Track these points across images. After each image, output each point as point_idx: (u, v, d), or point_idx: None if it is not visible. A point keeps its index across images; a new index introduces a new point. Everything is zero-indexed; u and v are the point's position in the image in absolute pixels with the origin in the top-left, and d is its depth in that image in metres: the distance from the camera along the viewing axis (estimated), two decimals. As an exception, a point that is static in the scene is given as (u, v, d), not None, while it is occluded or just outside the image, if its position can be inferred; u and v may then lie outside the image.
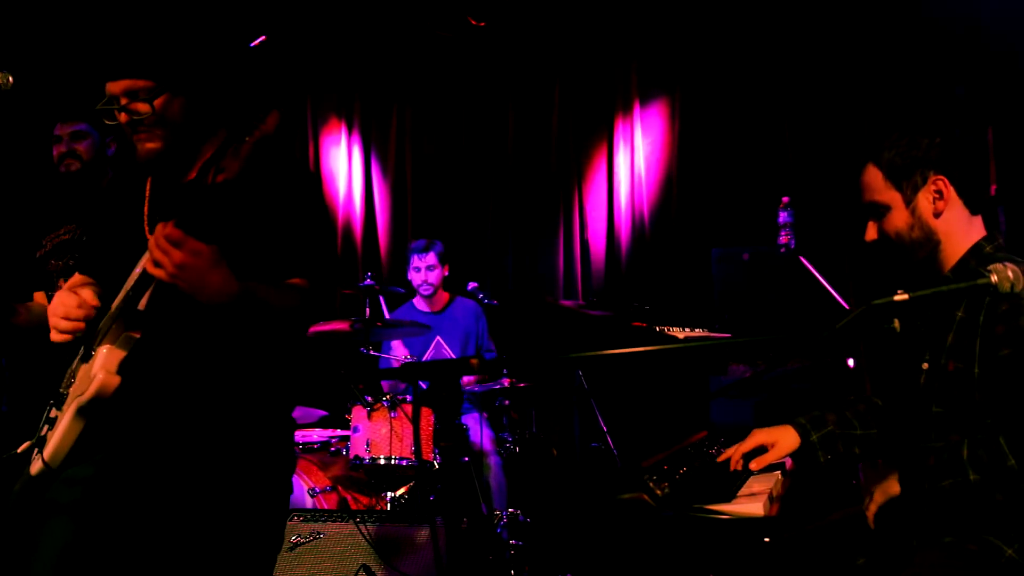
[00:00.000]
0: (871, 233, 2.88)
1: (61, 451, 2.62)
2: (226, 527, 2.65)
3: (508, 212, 7.80)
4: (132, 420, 2.68)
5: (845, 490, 3.63)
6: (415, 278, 6.56)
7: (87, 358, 2.65)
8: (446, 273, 6.60)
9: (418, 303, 6.67)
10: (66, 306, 2.62)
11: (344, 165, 8.22)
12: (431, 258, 6.51)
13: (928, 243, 2.79)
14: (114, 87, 2.65)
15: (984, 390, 2.63)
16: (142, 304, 2.58)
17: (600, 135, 7.64)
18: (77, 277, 2.98)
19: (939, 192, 2.75)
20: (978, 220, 2.80)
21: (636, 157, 7.46)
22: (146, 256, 2.45)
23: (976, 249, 2.75)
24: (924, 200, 2.76)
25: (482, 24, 7.35)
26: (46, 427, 2.69)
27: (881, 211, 2.82)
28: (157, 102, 2.63)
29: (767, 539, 2.58)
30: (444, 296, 6.68)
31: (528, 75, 7.82)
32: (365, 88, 8.25)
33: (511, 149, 7.86)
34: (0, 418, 5.96)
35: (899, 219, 2.79)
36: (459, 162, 8.01)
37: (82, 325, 2.63)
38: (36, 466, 2.65)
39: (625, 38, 7.45)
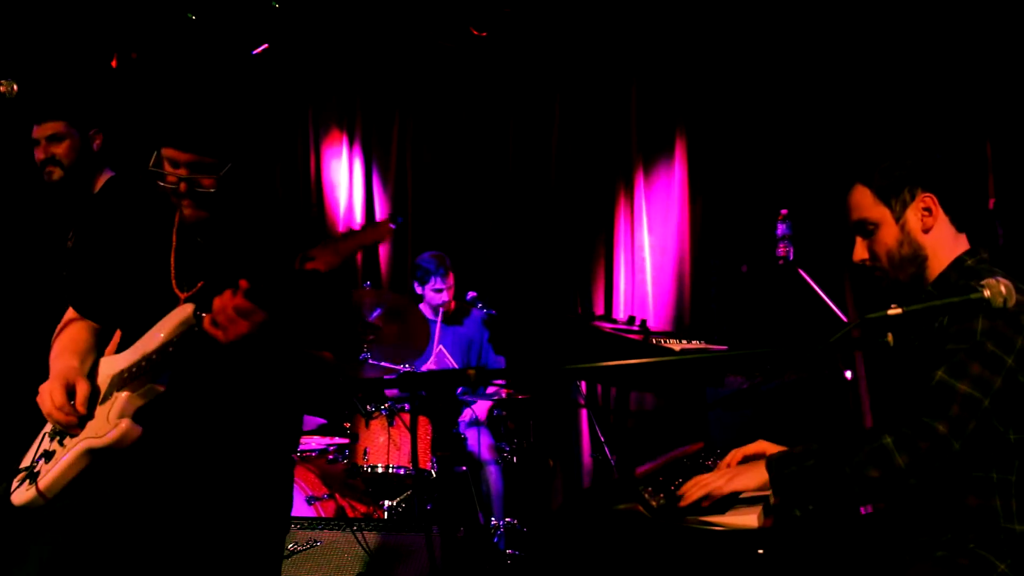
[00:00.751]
0: (860, 252, 2.89)
1: (58, 485, 2.64)
2: (229, 548, 2.68)
3: (507, 222, 7.81)
4: (140, 466, 2.71)
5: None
6: (436, 298, 6.52)
7: (104, 398, 2.67)
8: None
9: (424, 309, 6.68)
10: (53, 403, 2.67)
11: (345, 174, 8.24)
12: (451, 278, 6.52)
13: (916, 259, 2.80)
14: (177, 156, 2.65)
15: (915, 382, 2.66)
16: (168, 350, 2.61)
17: (601, 148, 7.64)
18: (69, 313, 3.00)
19: (928, 209, 2.77)
20: (963, 237, 2.82)
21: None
22: (182, 311, 2.54)
23: (958, 262, 2.77)
24: (913, 216, 2.79)
25: (484, 34, 7.36)
26: (42, 460, 2.70)
27: (870, 228, 2.84)
28: (210, 180, 2.67)
29: (761, 551, 2.59)
30: (452, 303, 6.69)
31: (529, 87, 7.83)
32: (366, 98, 8.27)
33: (511, 159, 7.87)
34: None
35: (888, 235, 2.82)
36: (459, 172, 8.02)
37: (74, 420, 2.67)
38: (25, 496, 2.66)
39: (626, 53, 7.46)
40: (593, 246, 7.55)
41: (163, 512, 2.68)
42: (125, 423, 2.57)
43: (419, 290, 6.62)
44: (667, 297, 7.23)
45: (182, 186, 2.66)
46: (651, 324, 6.55)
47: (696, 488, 2.81)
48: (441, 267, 6.53)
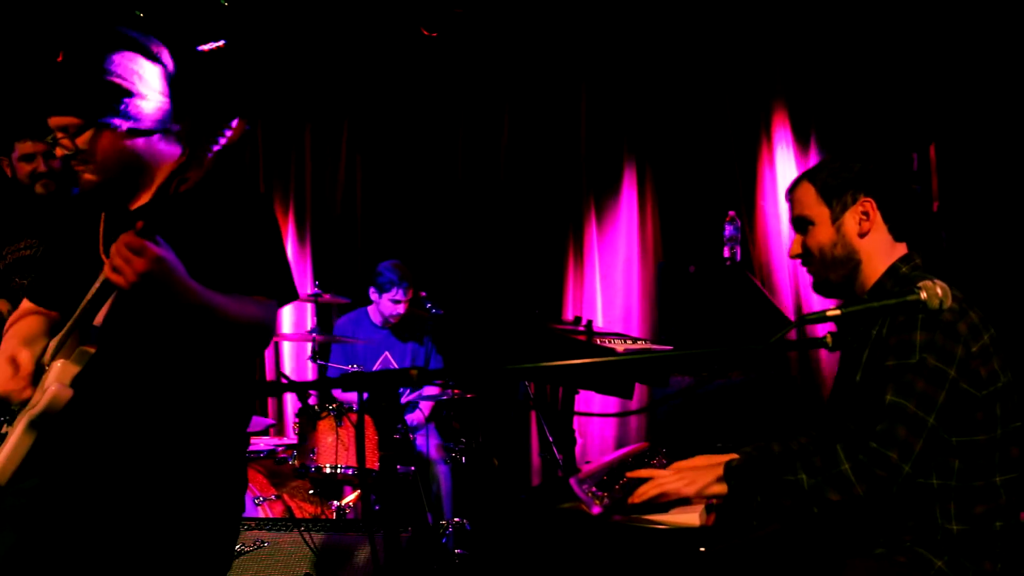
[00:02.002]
0: (795, 248, 2.96)
1: (9, 467, 2.61)
2: (174, 542, 2.65)
3: (457, 226, 7.81)
4: (85, 434, 2.68)
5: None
6: (391, 308, 6.50)
7: (40, 372, 2.65)
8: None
9: (373, 313, 6.66)
10: (3, 378, 2.65)
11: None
12: (411, 294, 6.50)
13: (849, 262, 2.85)
14: (51, 122, 2.67)
15: (860, 399, 2.70)
16: (98, 319, 2.58)
17: (551, 151, 7.67)
18: (24, 305, 2.98)
19: (866, 213, 2.82)
20: (901, 246, 2.86)
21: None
22: (105, 267, 2.45)
23: (892, 270, 2.81)
24: (851, 219, 2.83)
25: (435, 35, 7.35)
26: None
27: (807, 225, 2.89)
28: (81, 139, 2.65)
29: (702, 549, 2.62)
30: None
31: (478, 92, 7.84)
32: (315, 103, 8.24)
33: (460, 161, 7.88)
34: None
35: (823, 234, 2.87)
36: (409, 176, 8.02)
37: (29, 392, 2.64)
38: None
39: (576, 57, 7.49)
40: (543, 249, 7.57)
41: (100, 486, 2.65)
42: (54, 386, 2.55)
43: (374, 296, 6.59)
44: (616, 300, 7.27)
45: (58, 151, 2.69)
46: (601, 325, 6.59)
47: (654, 487, 2.85)
48: (404, 280, 6.51)
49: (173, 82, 2.80)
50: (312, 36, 7.54)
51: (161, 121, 2.76)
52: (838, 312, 2.36)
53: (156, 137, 2.78)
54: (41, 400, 2.53)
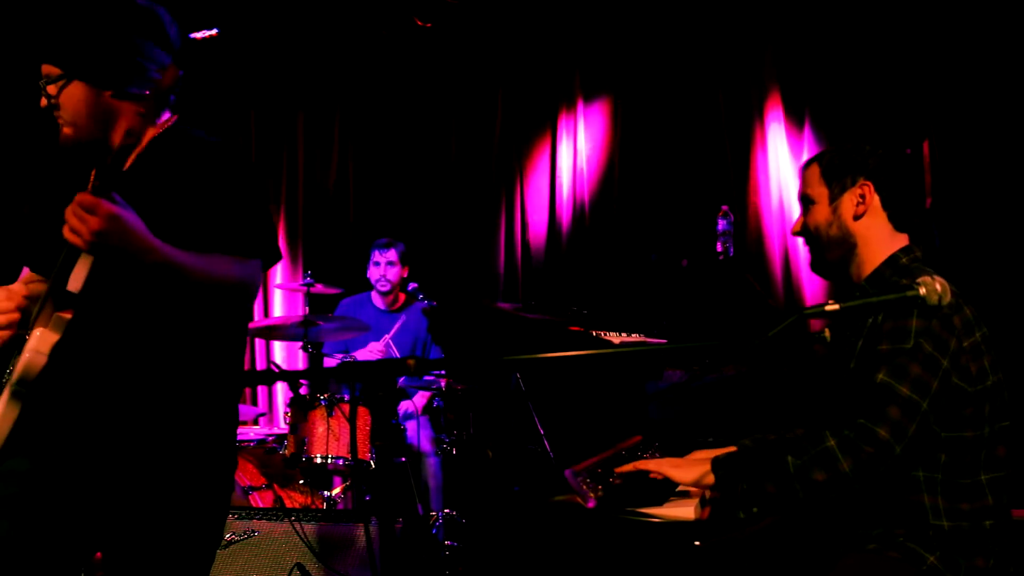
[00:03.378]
0: (796, 225, 3.00)
1: None
2: (162, 518, 2.62)
3: (451, 215, 7.81)
4: (69, 404, 2.65)
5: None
6: (374, 273, 6.58)
7: (22, 342, 2.63)
8: (405, 274, 6.62)
9: (375, 297, 6.69)
10: None
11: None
12: (392, 255, 6.54)
13: (844, 243, 2.87)
14: (42, 69, 2.68)
15: (854, 383, 2.71)
16: (76, 285, 2.55)
17: (541, 142, 7.67)
18: (24, 275, 2.96)
19: (862, 196, 2.84)
20: (902, 237, 2.87)
21: (579, 162, 7.50)
22: (64, 228, 2.42)
23: (892, 260, 2.82)
24: (848, 201, 2.86)
25: (428, 25, 7.34)
26: None
27: (808, 204, 2.94)
28: (55, 88, 2.66)
29: (697, 543, 2.62)
30: (401, 297, 6.69)
31: (472, 81, 7.83)
32: (307, 92, 8.22)
33: (454, 153, 7.88)
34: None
35: (820, 214, 2.90)
36: (402, 165, 8.01)
37: (16, 315, 2.63)
38: None
39: (568, 46, 7.49)
40: (535, 241, 7.58)
41: (86, 463, 2.62)
42: (27, 353, 2.53)
43: (368, 274, 6.64)
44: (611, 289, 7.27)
45: (42, 100, 2.70)
46: (595, 317, 6.59)
47: (647, 464, 2.86)
48: (383, 242, 6.56)
49: (162, 50, 2.78)
50: (304, 25, 7.53)
51: (140, 85, 2.72)
52: (837, 307, 2.36)
53: (135, 100, 2.74)
54: (16, 368, 2.52)
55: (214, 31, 6.65)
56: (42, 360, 2.53)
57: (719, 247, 6.14)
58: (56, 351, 2.54)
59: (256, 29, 7.43)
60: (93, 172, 2.73)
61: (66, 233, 2.38)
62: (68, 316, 2.58)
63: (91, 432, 2.63)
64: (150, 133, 2.77)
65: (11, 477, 2.64)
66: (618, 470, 2.88)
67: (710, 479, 2.79)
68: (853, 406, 2.60)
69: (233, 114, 8.16)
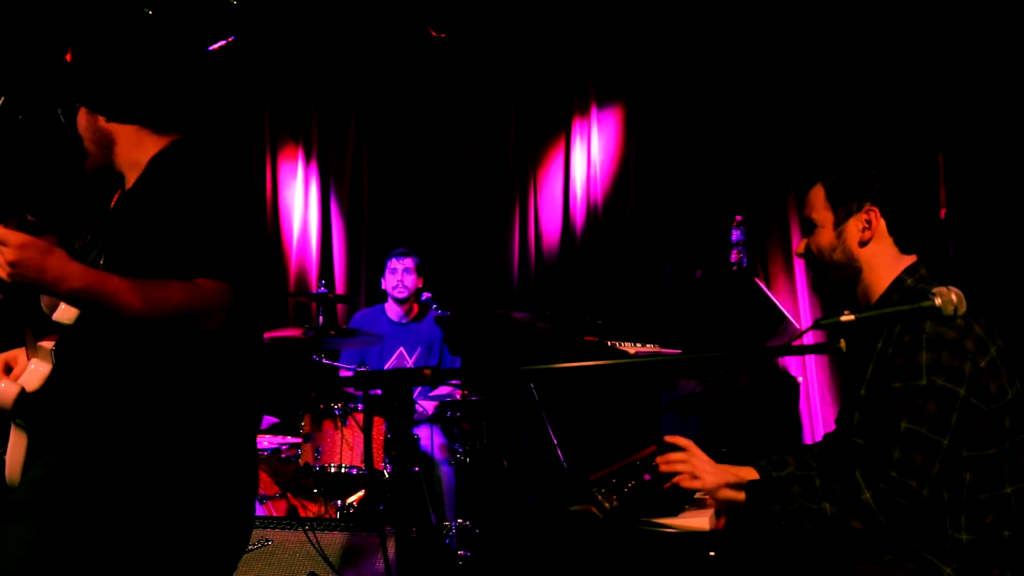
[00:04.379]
0: (799, 247, 2.99)
1: (15, 468, 2.63)
2: (165, 536, 2.61)
3: (464, 224, 7.82)
4: (70, 428, 2.65)
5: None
6: (390, 280, 6.61)
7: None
8: (420, 284, 6.63)
9: (389, 309, 6.70)
10: None
11: (301, 177, 8.19)
12: (409, 262, 6.57)
13: (848, 268, 2.85)
14: None
15: (866, 414, 2.70)
16: (67, 315, 2.57)
17: (555, 148, 7.68)
18: None
19: (868, 222, 2.81)
20: (908, 257, 2.85)
21: (592, 169, 7.50)
22: None
23: (898, 283, 2.80)
24: (853, 227, 2.84)
25: (443, 36, 7.36)
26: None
27: (812, 227, 2.91)
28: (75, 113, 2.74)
29: (712, 553, 2.62)
30: (415, 308, 6.70)
31: (485, 91, 7.85)
32: (322, 100, 8.23)
33: (468, 162, 7.88)
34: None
35: (824, 238, 2.88)
36: (416, 174, 8.02)
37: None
38: (7, 480, 2.67)
39: (581, 56, 7.49)
40: (549, 247, 7.58)
41: (88, 480, 2.60)
42: (4, 383, 2.58)
43: (383, 283, 6.67)
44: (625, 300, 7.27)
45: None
46: (608, 327, 6.59)
47: (677, 463, 2.86)
48: (399, 250, 6.59)
49: (160, 71, 2.80)
50: (318, 33, 7.55)
51: (133, 108, 2.75)
52: (852, 318, 2.36)
53: (130, 123, 2.76)
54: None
55: (230, 38, 6.68)
56: (13, 391, 2.56)
57: (733, 257, 6.15)
58: (51, 378, 2.57)
59: (272, 37, 7.44)
60: (116, 195, 2.75)
61: None
62: (49, 346, 2.62)
63: (84, 446, 2.62)
64: (151, 153, 2.76)
65: (28, 484, 2.65)
66: (662, 469, 2.86)
67: (734, 494, 2.78)
68: (877, 448, 2.59)
69: (247, 117, 8.16)
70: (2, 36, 6.06)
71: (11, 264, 2.35)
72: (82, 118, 2.77)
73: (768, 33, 6.83)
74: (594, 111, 7.52)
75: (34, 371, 2.62)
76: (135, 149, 2.76)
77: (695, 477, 2.84)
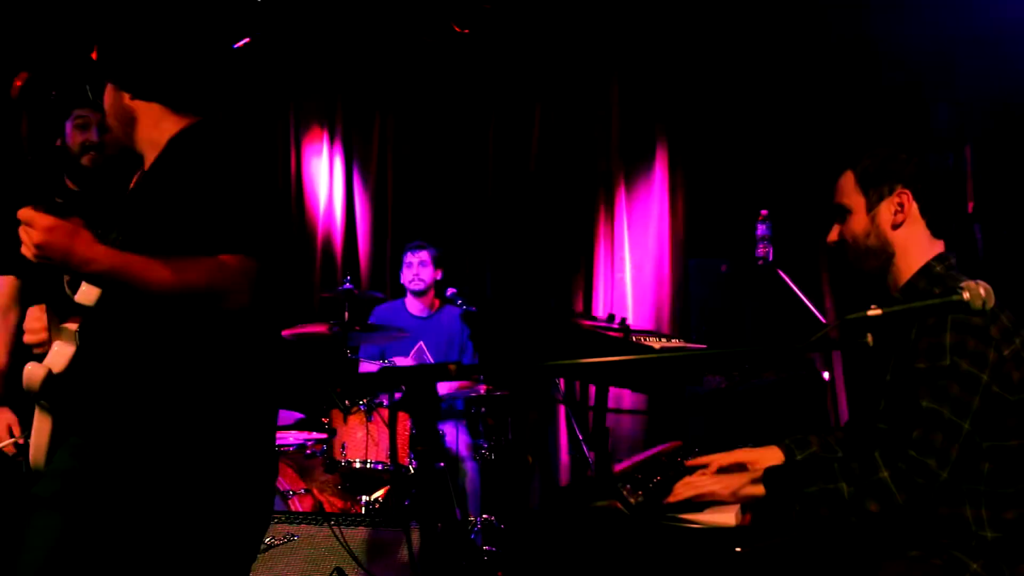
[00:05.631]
0: (832, 235, 2.97)
1: (39, 451, 2.65)
2: (186, 522, 2.60)
3: (488, 220, 7.82)
4: (93, 411, 2.67)
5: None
6: (406, 273, 6.63)
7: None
8: (438, 277, 6.64)
9: (409, 303, 6.71)
10: (28, 321, 2.72)
11: (325, 173, 8.20)
12: (424, 255, 6.59)
13: (882, 253, 2.84)
14: None
15: (891, 400, 2.69)
16: (87, 298, 2.59)
17: (583, 146, 7.66)
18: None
19: (901, 205, 2.81)
20: (939, 244, 2.84)
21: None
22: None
23: (926, 269, 2.79)
24: (885, 210, 2.83)
25: (466, 31, 7.35)
26: None
27: (844, 213, 2.90)
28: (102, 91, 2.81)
29: (738, 549, 2.61)
30: (435, 302, 6.71)
31: (510, 85, 7.83)
32: (347, 96, 8.25)
33: (492, 157, 7.88)
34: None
35: (858, 224, 2.87)
36: (440, 170, 8.02)
37: (45, 335, 2.68)
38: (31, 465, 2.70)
39: (608, 51, 7.47)
40: (574, 244, 7.56)
41: (110, 465, 2.62)
42: (30, 366, 2.60)
43: (401, 278, 6.68)
44: (647, 296, 7.25)
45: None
46: (630, 323, 6.58)
47: (689, 488, 2.85)
48: (414, 243, 6.61)
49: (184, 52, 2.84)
50: (342, 30, 7.54)
51: (158, 87, 2.79)
52: (879, 312, 2.34)
53: (154, 101, 2.80)
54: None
55: (250, 38, 6.71)
56: (39, 373, 2.59)
57: (759, 251, 6.11)
58: (75, 360, 2.59)
59: (296, 31, 7.45)
60: (136, 176, 2.77)
61: (22, 248, 2.43)
62: (73, 327, 2.64)
63: (106, 426, 2.65)
64: (170, 133, 2.78)
65: (54, 475, 2.67)
66: (667, 501, 2.86)
67: (753, 489, 2.78)
68: (899, 429, 2.59)
69: (272, 112, 8.18)
70: (32, 15, 6.11)
71: (38, 246, 2.38)
72: (108, 95, 2.81)
73: (796, 23, 6.79)
74: (618, 103, 7.50)
75: (58, 352, 2.63)
76: (155, 128, 2.79)
77: (704, 496, 2.85)
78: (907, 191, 2.81)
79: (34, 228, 2.38)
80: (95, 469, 2.62)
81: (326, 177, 8.21)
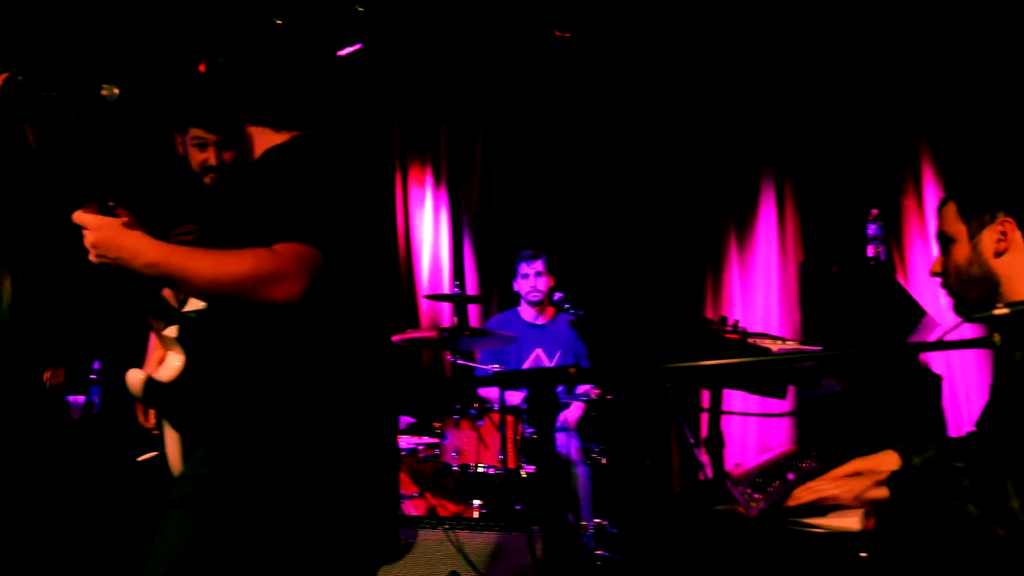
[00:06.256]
0: (936, 266, 2.90)
1: (174, 461, 2.74)
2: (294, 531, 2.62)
3: (595, 227, 7.81)
4: (205, 419, 2.73)
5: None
6: (523, 285, 6.63)
7: None
8: (552, 284, 6.63)
9: (523, 311, 6.72)
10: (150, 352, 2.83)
11: (430, 204, 8.29)
12: (539, 265, 6.59)
13: (985, 283, 2.76)
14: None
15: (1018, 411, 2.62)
16: (191, 308, 2.68)
17: (692, 150, 7.63)
18: None
19: (1004, 233, 2.73)
20: None
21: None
22: None
23: None
24: (988, 238, 2.75)
25: (567, 35, 7.34)
26: None
27: (946, 242, 2.83)
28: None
29: (863, 554, 2.57)
30: (550, 310, 6.71)
31: (613, 95, 7.81)
32: (450, 117, 8.29)
33: (597, 163, 7.87)
34: (94, 418, 6.10)
35: (960, 253, 2.79)
36: (543, 180, 8.04)
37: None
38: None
39: (716, 59, 7.42)
40: (680, 249, 7.54)
41: (227, 470, 2.67)
42: (131, 373, 2.73)
43: (515, 287, 6.71)
44: (755, 299, 7.20)
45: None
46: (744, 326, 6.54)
47: (810, 492, 2.82)
48: (529, 253, 6.61)
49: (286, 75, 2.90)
50: (443, 45, 7.58)
51: (270, 112, 2.86)
52: (1006, 311, 2.29)
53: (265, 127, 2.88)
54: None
55: (358, 46, 6.77)
56: (138, 379, 2.69)
57: (870, 252, 6.02)
58: (185, 370, 2.69)
59: (400, 43, 7.51)
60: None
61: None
62: (174, 334, 2.71)
63: (224, 437, 2.68)
64: (270, 145, 2.83)
65: (184, 479, 2.76)
66: (790, 502, 2.83)
67: (877, 492, 2.74)
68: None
69: (377, 127, 8.27)
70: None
71: (92, 245, 2.47)
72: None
73: (911, 33, 6.70)
74: (723, 108, 7.47)
75: (168, 362, 2.71)
76: (262, 145, 2.84)
77: (826, 500, 2.82)
78: (1010, 219, 2.73)
79: (87, 228, 2.48)
80: (222, 475, 2.66)
81: (431, 208, 8.27)
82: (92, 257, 2.49)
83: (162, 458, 2.83)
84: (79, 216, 2.48)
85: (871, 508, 2.77)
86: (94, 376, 6.37)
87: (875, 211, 6.13)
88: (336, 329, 2.66)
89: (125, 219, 2.52)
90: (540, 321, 6.66)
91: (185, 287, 2.55)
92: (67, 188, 2.62)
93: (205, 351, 2.71)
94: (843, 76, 6.97)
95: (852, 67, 6.93)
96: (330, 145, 2.73)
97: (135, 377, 2.73)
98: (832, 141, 7.01)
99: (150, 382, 2.72)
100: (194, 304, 2.76)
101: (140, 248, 2.48)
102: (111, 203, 2.52)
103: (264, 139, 2.84)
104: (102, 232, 2.47)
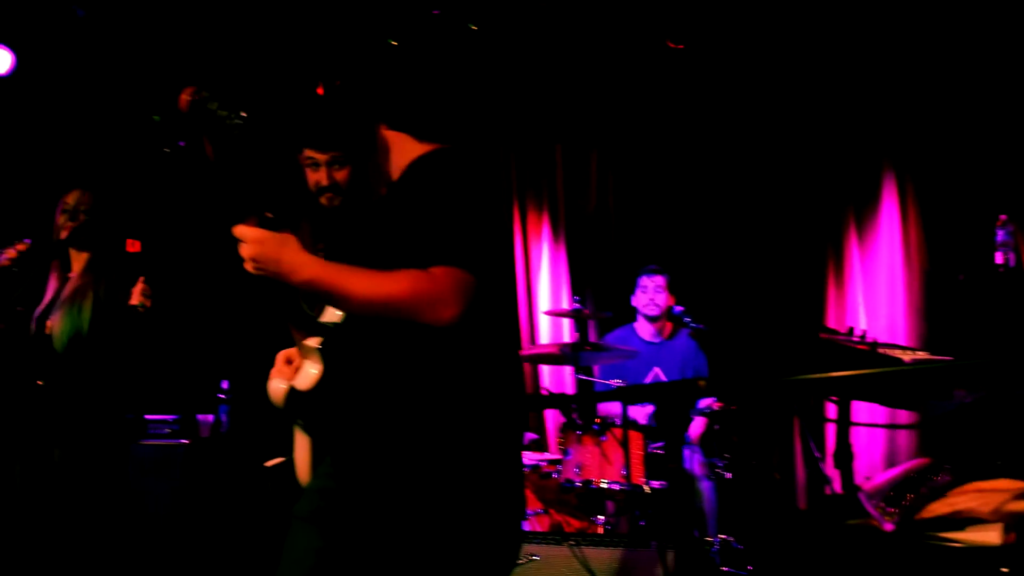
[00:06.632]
0: None
1: (303, 468, 2.78)
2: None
3: (711, 239, 7.76)
4: (339, 429, 2.75)
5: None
6: (641, 299, 6.63)
7: None
8: (671, 302, 6.60)
9: (640, 328, 6.71)
10: (278, 363, 2.89)
11: (547, 256, 8.31)
12: (660, 280, 6.59)
13: None
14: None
15: None
16: (331, 318, 2.74)
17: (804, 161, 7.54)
18: None
19: None
20: None
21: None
22: None
23: None
24: None
25: (680, 47, 7.30)
26: None
27: None
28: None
29: (1005, 569, 2.51)
30: (668, 327, 6.69)
31: (727, 106, 7.75)
32: (565, 141, 8.30)
33: (713, 176, 7.81)
34: (222, 437, 6.23)
35: None
36: (661, 194, 8.01)
37: (293, 376, 2.84)
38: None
39: (832, 58, 7.32)
40: (802, 260, 7.45)
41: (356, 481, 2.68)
42: (273, 381, 2.80)
43: (633, 301, 6.69)
44: (879, 309, 7.08)
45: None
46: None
47: (945, 505, 2.76)
48: (650, 267, 6.61)
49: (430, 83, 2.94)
50: (558, 58, 7.59)
51: (412, 118, 2.90)
52: None
53: (405, 133, 2.92)
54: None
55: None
56: (280, 390, 2.73)
57: (999, 258, 5.88)
58: (323, 379, 2.73)
59: (513, 63, 7.53)
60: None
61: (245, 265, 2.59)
62: (316, 344, 2.75)
63: (354, 448, 2.70)
64: (412, 158, 2.84)
65: (311, 493, 2.77)
66: (925, 514, 2.78)
67: (1018, 505, 2.67)
68: None
69: (499, 150, 8.31)
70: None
71: (252, 259, 2.53)
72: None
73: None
74: (842, 117, 7.36)
75: (306, 371, 2.76)
76: (401, 155, 2.86)
77: (963, 513, 2.75)
78: None
79: (245, 241, 2.53)
80: (350, 488, 2.68)
81: (548, 259, 8.30)
82: (250, 268, 2.55)
83: (289, 464, 2.88)
84: (240, 229, 2.54)
85: (1012, 521, 2.70)
86: (222, 395, 6.51)
87: (1003, 216, 5.98)
88: (474, 347, 2.67)
89: (304, 231, 2.59)
90: (657, 340, 6.63)
91: (340, 304, 2.63)
92: (235, 201, 2.72)
93: (343, 361, 2.75)
94: (971, 74, 6.81)
95: (979, 64, 6.77)
96: (475, 162, 2.76)
97: (277, 387, 2.81)
98: (956, 141, 6.86)
99: (292, 392, 2.79)
100: (331, 315, 2.80)
101: (299, 264, 2.54)
102: (269, 215, 2.58)
103: (406, 147, 2.87)
104: (264, 246, 2.53)
